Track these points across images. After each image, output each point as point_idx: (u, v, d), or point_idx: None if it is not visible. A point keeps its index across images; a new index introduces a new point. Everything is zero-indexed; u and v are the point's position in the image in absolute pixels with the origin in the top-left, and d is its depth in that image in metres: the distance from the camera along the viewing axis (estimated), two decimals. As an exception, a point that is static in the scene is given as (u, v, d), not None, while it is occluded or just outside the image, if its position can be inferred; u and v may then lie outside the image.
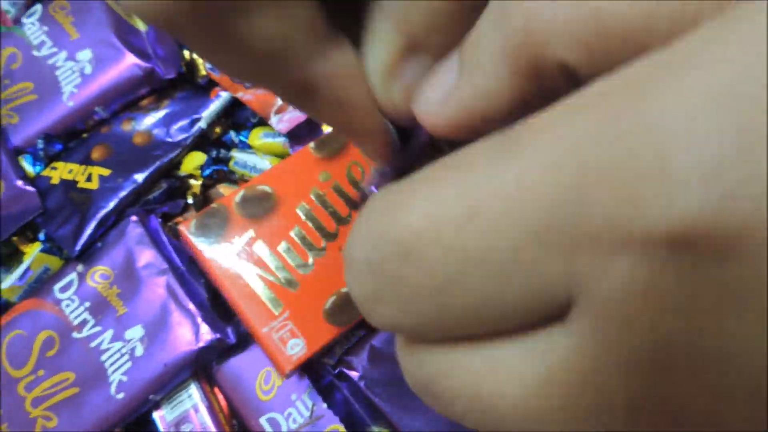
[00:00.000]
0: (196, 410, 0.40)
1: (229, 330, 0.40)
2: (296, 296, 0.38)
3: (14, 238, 0.45)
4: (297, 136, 0.45)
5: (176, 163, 0.46)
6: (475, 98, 0.15)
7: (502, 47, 0.13)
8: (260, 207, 0.40)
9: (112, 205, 0.44)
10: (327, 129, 0.46)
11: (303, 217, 0.39)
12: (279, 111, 0.45)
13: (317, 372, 0.38)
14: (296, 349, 0.36)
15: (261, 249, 0.38)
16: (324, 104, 0.17)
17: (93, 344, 0.40)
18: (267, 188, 0.40)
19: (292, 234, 0.39)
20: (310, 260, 0.39)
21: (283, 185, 0.40)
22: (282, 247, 0.39)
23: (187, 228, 0.39)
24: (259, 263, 0.38)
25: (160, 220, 0.44)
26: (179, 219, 0.46)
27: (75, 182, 0.45)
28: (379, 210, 0.13)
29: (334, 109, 0.18)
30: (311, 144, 0.42)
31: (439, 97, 0.16)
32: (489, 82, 0.14)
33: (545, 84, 0.13)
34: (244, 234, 0.39)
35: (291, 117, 0.45)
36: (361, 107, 0.18)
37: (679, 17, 0.11)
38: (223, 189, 0.47)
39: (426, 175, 0.13)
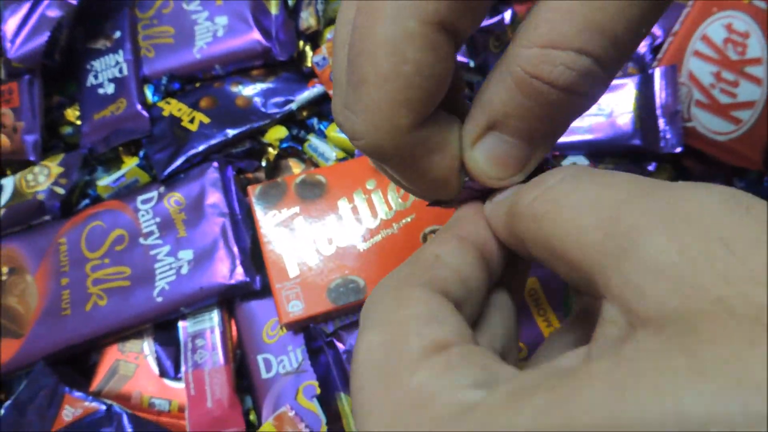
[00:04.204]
0: (212, 331, 0.48)
1: (258, 278, 0.49)
2: (311, 269, 0.46)
3: (120, 148, 0.55)
4: (365, 140, 0.53)
5: (262, 131, 0.55)
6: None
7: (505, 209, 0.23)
8: (312, 192, 0.48)
9: (202, 148, 0.53)
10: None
11: (340, 210, 0.48)
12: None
13: (312, 336, 0.46)
14: (295, 309, 0.44)
15: (299, 224, 0.47)
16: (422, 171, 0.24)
17: (152, 252, 0.49)
18: (322, 178, 0.49)
19: (327, 219, 0.47)
20: (333, 244, 0.47)
21: (336, 180, 0.49)
22: (316, 227, 0.47)
23: (253, 191, 0.48)
24: (293, 234, 0.47)
25: (234, 172, 0.53)
26: (250, 175, 0.54)
27: (180, 120, 0.54)
28: None
29: (429, 174, 0.24)
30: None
31: (495, 200, 0.24)
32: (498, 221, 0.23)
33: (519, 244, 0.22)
34: (292, 209, 0.47)
35: (365, 124, 0.52)
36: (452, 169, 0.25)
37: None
38: (292, 163, 0.55)
39: None
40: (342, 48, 0.23)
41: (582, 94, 0.21)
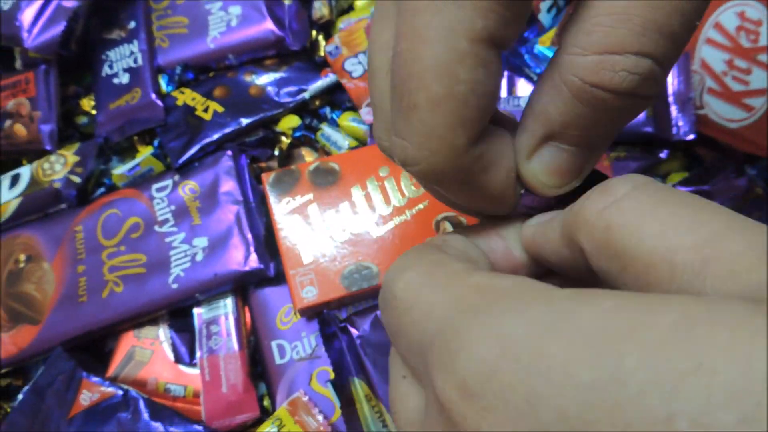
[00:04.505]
0: (227, 318, 0.49)
1: (272, 265, 0.49)
2: (325, 255, 0.46)
3: (134, 138, 0.55)
4: (378, 129, 0.53)
5: (275, 120, 0.55)
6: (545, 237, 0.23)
7: (561, 219, 0.21)
8: (325, 179, 0.48)
9: (216, 137, 0.53)
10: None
11: (354, 197, 0.48)
12: (370, 104, 0.53)
13: (326, 321, 0.46)
14: (309, 295, 0.45)
15: (313, 211, 0.47)
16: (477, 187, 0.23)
17: (167, 240, 0.50)
18: (336, 166, 0.49)
19: (340, 206, 0.48)
20: (346, 231, 0.47)
21: (349, 167, 0.49)
22: (329, 214, 0.47)
23: (267, 178, 0.48)
24: (307, 221, 0.47)
25: (248, 161, 0.53)
26: (263, 164, 0.55)
27: (194, 109, 0.55)
28: None
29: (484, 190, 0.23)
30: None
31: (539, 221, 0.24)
32: (553, 233, 0.22)
33: (573, 255, 0.21)
34: (305, 196, 0.48)
35: (378, 113, 0.53)
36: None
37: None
38: (305, 152, 0.56)
39: None
40: (380, 74, 0.23)
41: (644, 96, 0.20)
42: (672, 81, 0.51)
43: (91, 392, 0.45)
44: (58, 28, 0.53)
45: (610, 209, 0.19)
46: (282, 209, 0.48)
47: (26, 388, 0.46)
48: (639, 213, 0.18)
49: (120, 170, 0.53)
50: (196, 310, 0.49)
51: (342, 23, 0.59)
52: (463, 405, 0.15)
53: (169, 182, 0.52)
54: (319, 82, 0.56)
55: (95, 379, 0.46)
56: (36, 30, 0.53)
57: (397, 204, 0.48)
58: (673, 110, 0.50)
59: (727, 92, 0.52)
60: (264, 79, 0.56)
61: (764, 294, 0.14)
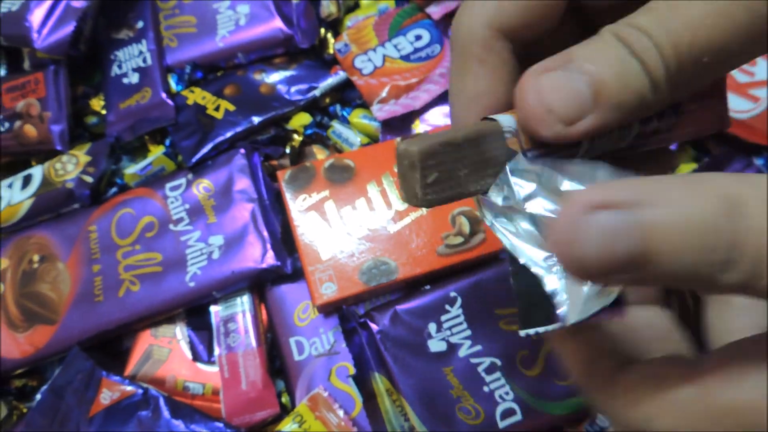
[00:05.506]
0: (244, 315, 0.49)
1: (289, 262, 0.49)
2: (343, 251, 0.47)
3: (146, 137, 0.55)
4: (389, 125, 0.54)
5: (287, 117, 0.55)
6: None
7: None
8: (341, 175, 0.49)
9: (228, 135, 0.53)
10: (416, 129, 0.54)
11: (369, 193, 0.48)
12: (381, 101, 0.54)
13: (346, 317, 0.47)
14: (328, 291, 0.45)
15: (329, 207, 0.48)
16: None
17: (183, 238, 0.50)
18: (351, 162, 0.49)
19: (357, 203, 0.48)
20: (363, 226, 0.47)
21: (364, 163, 0.49)
22: (346, 210, 0.48)
23: (283, 175, 0.49)
24: (324, 217, 0.47)
25: (261, 158, 0.53)
26: (275, 162, 0.55)
27: (205, 108, 0.55)
28: None
29: None
30: (399, 138, 0.50)
31: None
32: None
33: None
34: (321, 192, 0.48)
35: (389, 109, 0.53)
36: None
37: None
38: (316, 149, 0.56)
39: None
40: None
41: None
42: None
43: (111, 391, 0.45)
44: (68, 29, 0.53)
45: None
46: (298, 206, 0.48)
47: (44, 387, 0.46)
48: None
49: (132, 170, 0.53)
50: (213, 308, 0.49)
51: (349, 21, 0.60)
52: None
53: (182, 181, 0.52)
54: (329, 80, 0.56)
55: (115, 377, 0.46)
56: (45, 31, 0.53)
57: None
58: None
59: (733, 83, 0.53)
60: (274, 77, 0.56)
61: None
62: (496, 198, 0.21)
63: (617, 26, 0.19)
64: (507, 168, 0.20)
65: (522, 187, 0.20)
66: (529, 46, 0.23)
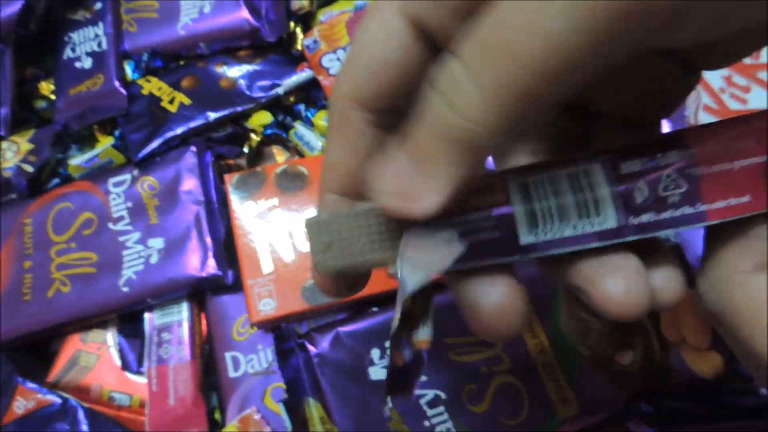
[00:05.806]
0: (180, 325, 0.46)
1: (230, 272, 0.46)
2: (287, 266, 0.43)
3: (95, 126, 0.52)
4: (353, 131, 0.50)
5: (246, 115, 0.52)
6: None
7: None
8: (293, 183, 0.45)
9: (180, 131, 0.50)
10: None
11: (320, 206, 0.45)
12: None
13: (283, 336, 0.44)
14: (266, 307, 0.42)
15: (277, 216, 0.44)
16: None
17: (121, 239, 0.47)
18: (305, 170, 0.46)
19: (307, 213, 0.45)
20: (313, 242, 0.44)
21: (319, 172, 0.46)
22: (294, 221, 0.44)
23: (230, 179, 0.45)
24: (270, 227, 0.44)
25: (213, 158, 0.50)
26: (230, 162, 0.51)
27: (159, 99, 0.52)
28: None
29: None
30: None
31: None
32: None
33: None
34: (270, 200, 0.45)
35: (353, 114, 0.50)
36: None
37: None
38: (276, 151, 0.53)
39: None
40: None
41: None
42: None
43: (26, 399, 0.42)
44: (16, 6, 0.49)
45: None
46: (244, 213, 0.45)
47: (-41, 391, 0.43)
48: None
49: (77, 161, 0.50)
50: (147, 316, 0.46)
51: (323, 15, 0.56)
52: None
53: (127, 177, 0.49)
54: (294, 77, 0.52)
55: (32, 385, 0.43)
56: (-8, 7, 0.50)
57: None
58: (666, 128, 0.47)
59: (724, 110, 0.49)
60: (236, 71, 0.53)
61: None
62: (391, 271, 0.20)
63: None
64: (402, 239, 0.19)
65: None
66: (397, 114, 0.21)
